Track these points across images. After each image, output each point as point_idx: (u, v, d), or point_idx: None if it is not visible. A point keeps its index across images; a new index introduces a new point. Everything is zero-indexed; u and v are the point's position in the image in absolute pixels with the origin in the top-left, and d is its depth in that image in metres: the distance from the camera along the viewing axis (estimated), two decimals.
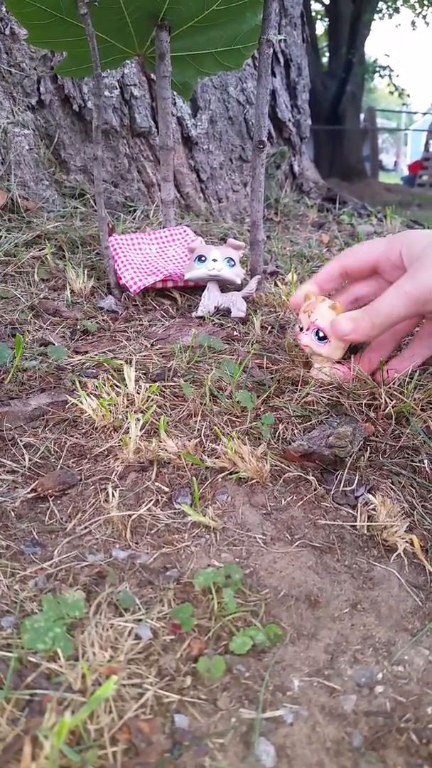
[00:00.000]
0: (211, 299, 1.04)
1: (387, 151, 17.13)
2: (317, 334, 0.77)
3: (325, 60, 8.71)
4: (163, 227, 1.30)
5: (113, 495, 0.60)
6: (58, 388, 0.79)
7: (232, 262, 1.05)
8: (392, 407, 0.74)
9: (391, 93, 9.98)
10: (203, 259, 1.04)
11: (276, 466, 0.66)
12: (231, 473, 0.64)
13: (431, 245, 0.73)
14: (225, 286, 1.09)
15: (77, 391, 0.75)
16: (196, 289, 1.16)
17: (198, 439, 0.69)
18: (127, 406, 0.74)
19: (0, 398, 0.76)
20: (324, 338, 0.77)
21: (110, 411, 0.71)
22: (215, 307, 1.05)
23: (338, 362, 0.80)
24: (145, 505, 0.60)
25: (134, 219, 1.65)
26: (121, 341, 0.94)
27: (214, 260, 1.03)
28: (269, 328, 1.00)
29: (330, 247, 1.70)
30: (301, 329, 0.80)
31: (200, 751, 0.39)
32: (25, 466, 0.65)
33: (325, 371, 0.79)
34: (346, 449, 0.65)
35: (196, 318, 1.05)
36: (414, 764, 0.39)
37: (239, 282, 1.08)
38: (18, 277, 1.16)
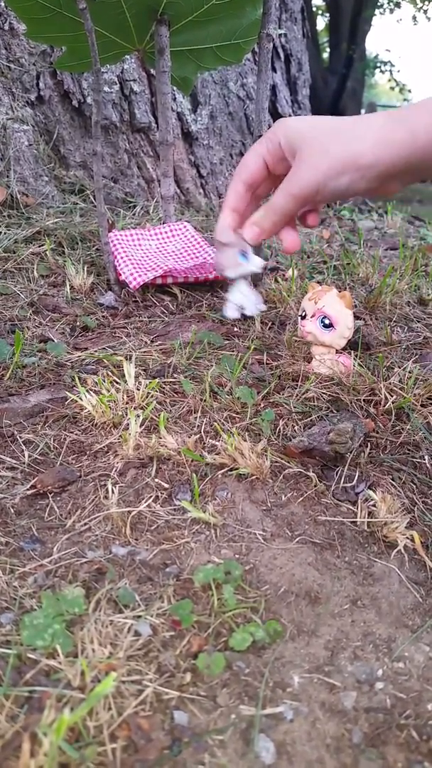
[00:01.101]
0: (253, 295, 0.98)
1: None
2: (322, 321, 0.77)
3: (325, 55, 8.68)
4: (163, 223, 1.29)
5: (113, 491, 0.60)
6: (58, 385, 0.79)
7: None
8: (392, 403, 0.73)
9: (392, 89, 9.94)
10: (246, 255, 0.97)
11: (276, 462, 0.66)
12: (231, 469, 0.64)
13: (306, 136, 0.70)
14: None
15: (77, 387, 0.75)
16: (195, 285, 1.15)
17: (198, 436, 0.68)
18: (127, 403, 0.74)
19: None
20: (329, 326, 0.77)
21: (110, 407, 0.71)
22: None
23: (338, 352, 0.80)
24: (145, 502, 0.60)
25: (134, 215, 1.65)
26: (121, 337, 0.94)
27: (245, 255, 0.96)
28: (269, 324, 1.00)
29: (331, 242, 1.70)
30: (303, 317, 0.80)
31: (200, 747, 0.39)
32: (24, 463, 0.65)
33: (326, 362, 0.79)
34: (346, 445, 0.64)
35: (233, 320, 0.98)
36: (414, 760, 0.39)
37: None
38: (17, 273, 1.16)
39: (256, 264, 0.92)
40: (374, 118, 0.66)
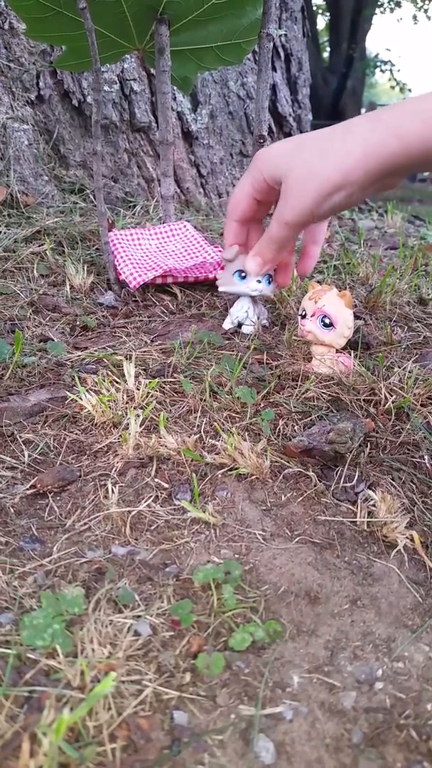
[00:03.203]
0: (255, 311, 0.96)
1: None
2: (322, 320, 0.77)
3: (326, 55, 8.68)
4: (163, 222, 1.29)
5: (113, 491, 0.60)
6: (58, 384, 0.79)
7: (270, 278, 0.93)
8: (392, 403, 0.73)
9: (392, 88, 9.94)
10: (244, 276, 0.92)
11: (276, 462, 0.66)
12: (231, 469, 0.64)
13: (290, 163, 0.68)
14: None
15: (77, 387, 0.75)
16: (196, 285, 1.15)
17: (198, 435, 0.68)
18: (127, 402, 0.74)
19: None
20: (329, 325, 0.77)
21: (110, 407, 0.71)
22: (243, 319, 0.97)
23: (338, 352, 0.80)
24: (145, 502, 0.60)
25: (134, 214, 1.65)
26: (121, 337, 0.94)
27: (258, 281, 0.91)
28: (269, 323, 1.00)
29: (331, 242, 1.70)
30: (303, 316, 0.80)
31: (199, 747, 0.39)
32: (24, 462, 0.65)
33: (327, 362, 0.79)
34: (346, 445, 0.64)
35: (228, 331, 0.97)
36: (413, 761, 0.39)
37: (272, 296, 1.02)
38: (17, 272, 1.16)
39: (250, 287, 0.92)
40: (359, 126, 0.63)
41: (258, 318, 0.95)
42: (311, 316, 0.79)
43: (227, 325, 0.96)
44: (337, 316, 0.77)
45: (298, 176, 0.66)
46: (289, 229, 0.72)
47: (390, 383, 0.77)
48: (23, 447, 0.67)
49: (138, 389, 0.75)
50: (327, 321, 0.77)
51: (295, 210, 0.68)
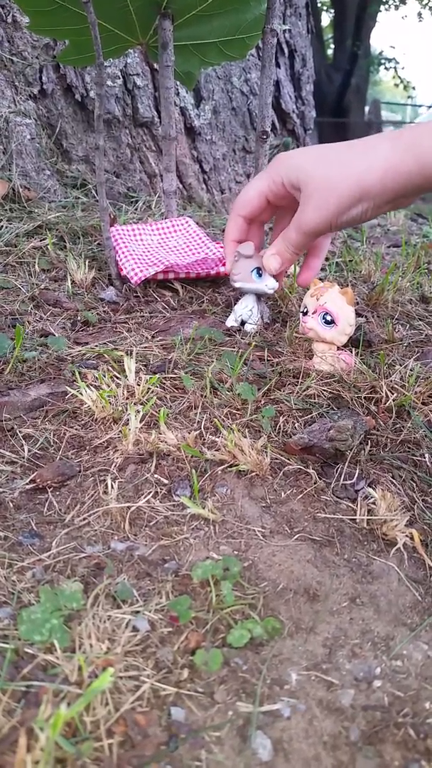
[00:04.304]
0: (258, 309, 0.95)
1: None
2: (324, 317, 0.77)
3: (330, 52, 8.65)
4: (165, 218, 1.29)
5: (112, 487, 0.59)
6: (58, 379, 0.79)
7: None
8: (393, 400, 0.73)
9: (396, 85, 9.91)
10: (261, 273, 0.91)
11: (276, 459, 0.65)
12: (231, 466, 0.64)
13: (311, 173, 0.69)
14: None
15: (77, 382, 0.75)
16: (197, 280, 1.15)
17: (198, 432, 0.68)
18: (127, 398, 0.74)
19: None
20: (330, 322, 0.77)
21: (110, 402, 0.71)
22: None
23: (339, 349, 0.80)
24: (144, 497, 0.60)
25: (136, 209, 1.65)
26: (122, 332, 0.94)
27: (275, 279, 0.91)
28: (270, 321, 1.00)
29: (333, 239, 1.69)
30: (305, 313, 0.80)
31: (196, 744, 0.39)
32: (24, 457, 0.65)
33: (327, 359, 0.79)
34: (346, 443, 0.64)
35: (231, 328, 0.96)
36: (411, 759, 0.39)
37: None
38: (19, 267, 1.16)
39: (268, 285, 0.91)
40: (380, 145, 0.65)
41: (261, 317, 0.95)
42: (313, 314, 0.79)
43: (230, 322, 0.96)
44: (339, 313, 0.77)
45: (318, 187, 0.68)
46: (306, 237, 0.74)
47: (391, 381, 0.77)
48: (23, 442, 0.67)
49: (138, 385, 0.75)
50: (329, 318, 0.77)
51: (315, 220, 0.70)
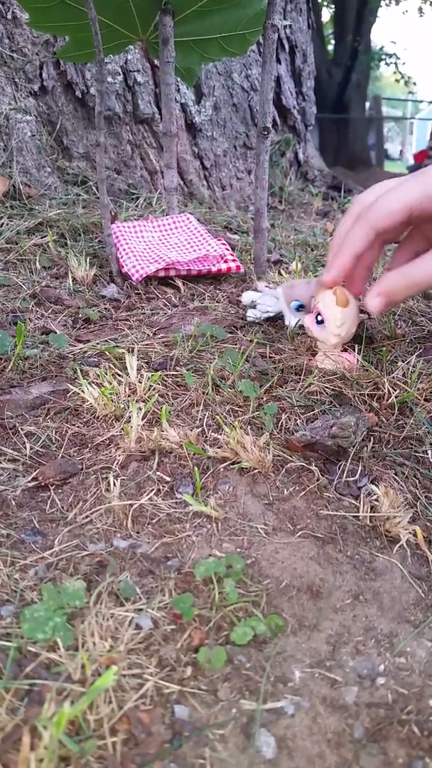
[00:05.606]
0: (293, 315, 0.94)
1: (392, 140, 16.98)
2: (317, 317, 0.78)
3: (330, 47, 8.62)
4: (166, 215, 1.29)
5: (114, 484, 0.59)
6: (60, 377, 0.79)
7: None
8: (396, 397, 0.73)
9: (397, 81, 9.88)
10: (301, 309, 0.89)
11: (278, 456, 0.65)
12: (233, 463, 0.64)
13: None
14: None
15: (79, 379, 0.75)
16: (198, 277, 1.15)
17: (200, 429, 0.68)
18: (129, 395, 0.73)
19: (1, 386, 0.75)
20: (321, 322, 0.78)
21: (112, 400, 0.71)
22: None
23: (343, 349, 0.80)
24: (147, 495, 0.60)
25: (137, 206, 1.64)
26: (123, 330, 0.94)
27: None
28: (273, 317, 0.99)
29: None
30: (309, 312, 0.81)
31: (200, 741, 0.39)
32: (26, 455, 0.65)
33: (330, 357, 0.79)
34: (349, 439, 0.64)
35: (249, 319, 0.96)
36: (415, 756, 0.39)
37: None
38: (20, 264, 1.15)
39: (291, 322, 0.91)
40: None
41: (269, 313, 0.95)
42: (311, 312, 0.80)
43: (251, 315, 0.95)
44: (326, 313, 0.77)
45: None
46: None
47: (393, 378, 0.77)
48: (25, 439, 0.67)
49: (140, 382, 0.75)
50: (320, 318, 0.78)
51: None
